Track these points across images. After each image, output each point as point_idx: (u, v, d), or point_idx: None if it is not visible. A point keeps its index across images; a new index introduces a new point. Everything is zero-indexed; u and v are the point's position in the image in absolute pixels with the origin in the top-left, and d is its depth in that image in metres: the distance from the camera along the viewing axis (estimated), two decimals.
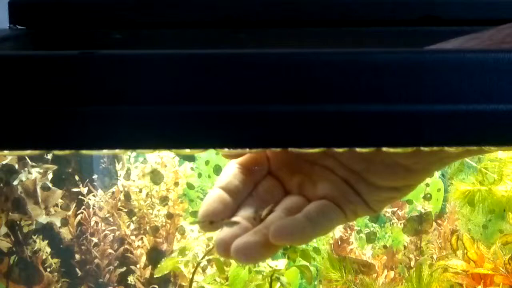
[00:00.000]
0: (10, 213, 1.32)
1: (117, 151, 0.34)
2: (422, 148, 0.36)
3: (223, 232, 0.40)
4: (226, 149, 0.43)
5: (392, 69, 0.32)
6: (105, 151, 0.33)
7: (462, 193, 1.25)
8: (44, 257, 1.40)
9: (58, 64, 0.32)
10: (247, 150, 0.44)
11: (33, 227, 1.37)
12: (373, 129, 0.32)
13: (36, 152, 0.33)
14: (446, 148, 0.37)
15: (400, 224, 1.47)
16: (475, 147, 0.37)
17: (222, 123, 0.32)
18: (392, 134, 0.32)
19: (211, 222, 0.41)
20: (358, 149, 0.35)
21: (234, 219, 0.41)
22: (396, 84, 0.32)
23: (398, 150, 0.38)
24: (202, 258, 1.25)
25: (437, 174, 1.51)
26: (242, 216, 0.42)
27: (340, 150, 0.36)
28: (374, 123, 0.32)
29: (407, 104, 0.32)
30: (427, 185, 1.47)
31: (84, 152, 0.33)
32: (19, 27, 0.56)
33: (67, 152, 0.33)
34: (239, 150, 0.44)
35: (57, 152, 0.33)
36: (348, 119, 0.32)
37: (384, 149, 0.35)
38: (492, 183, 1.22)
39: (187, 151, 0.33)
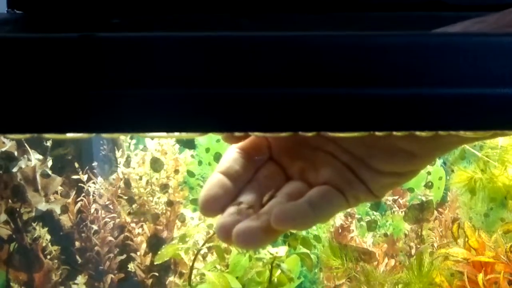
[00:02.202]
0: (9, 200, 1.32)
1: (115, 135, 0.34)
2: (425, 132, 0.35)
3: (224, 217, 0.40)
4: (227, 133, 0.42)
5: (397, 51, 0.32)
6: (104, 135, 0.33)
7: (463, 180, 1.24)
8: (44, 244, 1.40)
9: (56, 47, 0.31)
10: (249, 134, 0.43)
11: (33, 214, 1.37)
12: (377, 112, 0.32)
13: (31, 135, 0.32)
14: (451, 133, 0.36)
15: (401, 212, 1.47)
16: (480, 132, 0.36)
17: (224, 106, 0.31)
18: (396, 118, 0.32)
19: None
20: (360, 134, 0.35)
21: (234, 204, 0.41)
22: (400, 67, 0.32)
23: (400, 134, 0.37)
24: (202, 246, 1.25)
25: (438, 162, 1.51)
26: (243, 202, 0.41)
27: (340, 134, 0.36)
28: (378, 106, 0.32)
29: (411, 87, 0.32)
30: (429, 173, 1.47)
31: (79, 136, 0.33)
32: (17, 11, 0.56)
33: (62, 136, 0.32)
34: (240, 134, 0.43)
35: (50, 136, 0.33)
36: (351, 102, 0.32)
37: (387, 133, 0.34)
38: (495, 175, 1.21)
39: (189, 134, 0.33)
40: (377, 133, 0.34)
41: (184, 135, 0.34)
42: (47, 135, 0.32)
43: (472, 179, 1.23)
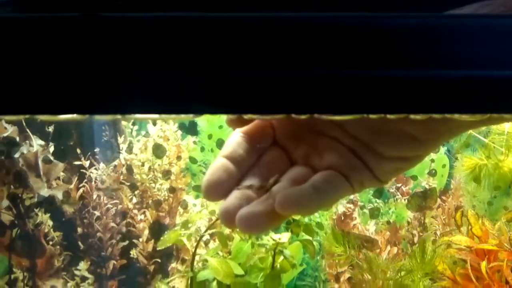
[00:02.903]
0: (11, 186, 1.32)
1: (115, 116, 0.33)
2: (431, 116, 0.35)
3: (228, 201, 0.39)
4: (231, 116, 0.42)
5: (405, 33, 0.31)
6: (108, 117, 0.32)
7: (468, 167, 1.24)
8: (46, 230, 1.40)
9: (58, 26, 0.31)
10: (253, 117, 0.43)
11: (35, 200, 1.37)
12: (385, 95, 0.31)
13: (31, 116, 0.32)
14: (457, 117, 0.36)
15: (404, 200, 1.47)
16: (487, 115, 0.36)
17: (228, 88, 0.31)
18: (403, 100, 0.31)
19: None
20: (365, 117, 0.34)
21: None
22: (408, 49, 0.31)
23: (405, 118, 0.37)
24: (204, 232, 1.25)
25: (442, 149, 1.51)
26: (246, 186, 0.41)
27: (344, 117, 0.35)
28: (386, 88, 0.31)
29: (420, 69, 0.31)
30: (432, 160, 1.46)
31: (79, 117, 0.32)
32: None
33: (61, 118, 0.32)
34: (244, 119, 0.43)
35: (46, 118, 0.32)
36: (357, 84, 0.31)
37: (392, 116, 0.34)
38: (500, 160, 1.21)
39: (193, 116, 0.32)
40: (380, 116, 0.34)
41: (186, 117, 0.33)
42: (45, 117, 0.32)
43: (477, 166, 1.22)
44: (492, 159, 1.21)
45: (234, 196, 0.40)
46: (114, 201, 1.47)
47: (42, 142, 1.35)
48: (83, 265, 1.45)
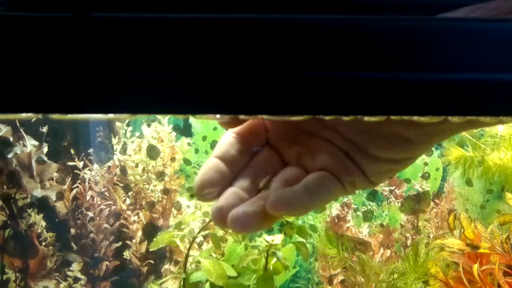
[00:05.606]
0: (4, 186, 1.32)
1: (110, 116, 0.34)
2: (423, 118, 0.35)
3: (220, 201, 0.39)
4: (224, 116, 0.42)
5: (397, 36, 0.31)
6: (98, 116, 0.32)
7: (454, 158, 1.24)
8: (39, 230, 1.40)
9: (53, 26, 0.31)
10: (245, 117, 0.43)
11: (28, 200, 1.37)
12: (377, 97, 0.31)
13: (25, 115, 0.32)
14: (448, 119, 0.36)
15: (398, 202, 1.47)
16: (477, 118, 0.36)
17: (221, 88, 0.31)
18: (395, 102, 0.32)
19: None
20: (355, 119, 0.34)
21: (231, 189, 0.41)
22: (400, 52, 0.31)
23: (397, 120, 0.37)
24: (198, 233, 1.25)
25: (435, 153, 1.51)
26: (239, 186, 0.41)
27: (332, 118, 0.35)
28: (378, 90, 0.31)
29: (410, 72, 0.31)
30: (426, 164, 1.47)
31: (74, 116, 0.32)
32: None
33: (57, 116, 0.32)
34: (237, 119, 0.43)
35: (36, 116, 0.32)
36: (351, 87, 0.31)
37: (384, 118, 0.34)
38: (486, 154, 1.21)
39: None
40: (373, 118, 0.34)
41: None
42: (34, 115, 0.32)
43: (463, 157, 1.22)
44: (478, 152, 1.21)
45: (227, 196, 0.40)
46: (108, 202, 1.46)
47: (36, 143, 1.35)
48: (76, 266, 1.45)
